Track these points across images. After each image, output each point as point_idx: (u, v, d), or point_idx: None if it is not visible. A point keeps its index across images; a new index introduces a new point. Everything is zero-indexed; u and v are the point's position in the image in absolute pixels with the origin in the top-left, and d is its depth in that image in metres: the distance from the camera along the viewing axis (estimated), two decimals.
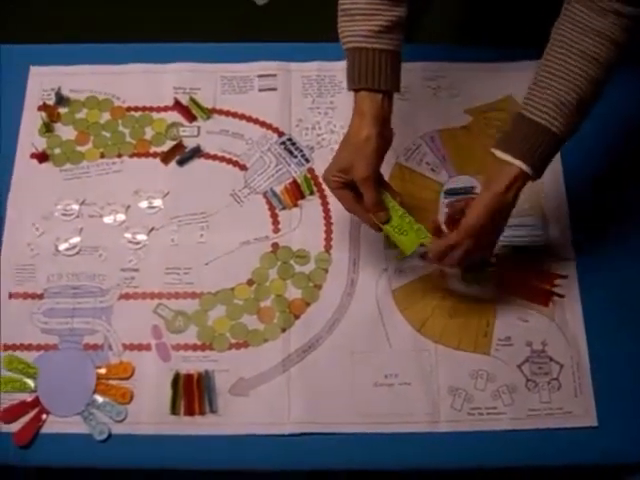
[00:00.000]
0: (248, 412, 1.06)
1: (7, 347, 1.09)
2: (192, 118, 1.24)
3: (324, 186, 1.19)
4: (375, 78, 0.96)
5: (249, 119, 1.24)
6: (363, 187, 0.98)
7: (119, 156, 1.21)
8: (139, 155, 1.21)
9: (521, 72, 1.26)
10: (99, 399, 1.06)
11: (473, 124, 1.24)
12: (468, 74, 1.26)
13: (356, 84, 0.97)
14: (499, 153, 0.96)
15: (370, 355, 1.09)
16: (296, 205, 1.18)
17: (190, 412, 1.05)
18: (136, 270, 1.13)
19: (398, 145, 1.20)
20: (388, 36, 0.96)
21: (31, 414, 1.05)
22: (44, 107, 1.24)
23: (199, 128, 1.23)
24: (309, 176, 1.20)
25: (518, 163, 0.94)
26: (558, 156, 1.19)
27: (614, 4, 0.91)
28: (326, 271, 1.14)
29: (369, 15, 0.95)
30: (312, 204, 1.18)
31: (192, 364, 1.08)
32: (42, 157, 1.20)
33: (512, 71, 1.27)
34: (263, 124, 1.24)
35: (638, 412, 1.06)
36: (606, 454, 1.04)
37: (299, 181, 1.19)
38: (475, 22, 1.31)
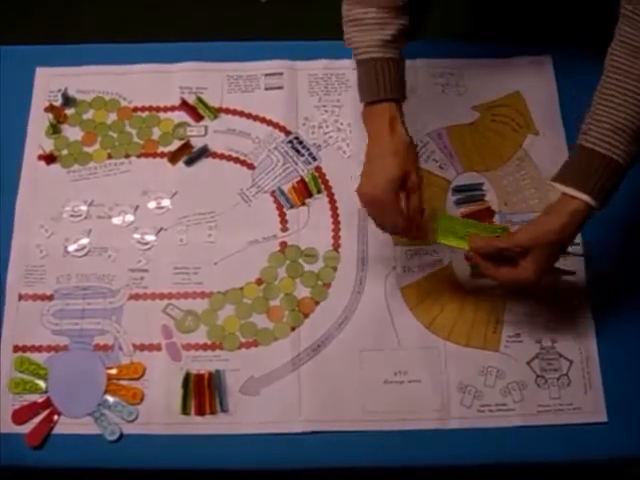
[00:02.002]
0: (259, 411, 1.06)
1: (18, 349, 1.09)
2: (199, 118, 1.24)
3: (331, 184, 1.19)
4: (394, 87, 0.97)
5: (256, 118, 1.24)
6: (414, 192, 0.98)
7: (127, 156, 1.21)
8: (147, 155, 1.22)
9: (528, 68, 1.27)
10: (110, 399, 1.06)
11: (481, 121, 1.23)
12: (475, 70, 1.26)
13: (381, 95, 0.97)
14: (561, 186, 0.93)
15: (379, 353, 1.09)
16: (304, 204, 1.18)
17: (201, 412, 1.05)
18: (145, 270, 1.14)
19: None
20: (399, 45, 0.97)
21: (42, 415, 1.06)
22: (51, 108, 1.24)
23: (206, 127, 1.23)
24: (316, 174, 1.20)
25: (583, 197, 0.91)
26: (565, 151, 1.20)
27: None
28: (335, 269, 1.14)
29: (381, 24, 0.95)
30: (320, 202, 1.18)
31: (202, 364, 1.08)
32: (50, 159, 1.21)
33: (519, 67, 1.27)
34: (270, 123, 1.24)
35: None
36: (616, 450, 1.04)
37: (307, 180, 1.19)
38: (482, 18, 1.30)
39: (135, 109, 1.25)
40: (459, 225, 1.03)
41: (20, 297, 1.12)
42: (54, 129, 1.22)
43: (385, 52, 0.96)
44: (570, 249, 1.13)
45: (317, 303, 1.12)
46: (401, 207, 0.99)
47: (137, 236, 1.16)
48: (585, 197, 0.91)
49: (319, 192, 1.19)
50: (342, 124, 1.23)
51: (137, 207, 1.18)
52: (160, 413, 1.06)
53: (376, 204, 0.99)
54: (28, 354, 1.09)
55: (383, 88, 0.97)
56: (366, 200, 1.00)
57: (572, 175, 0.93)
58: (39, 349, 1.09)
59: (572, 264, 1.13)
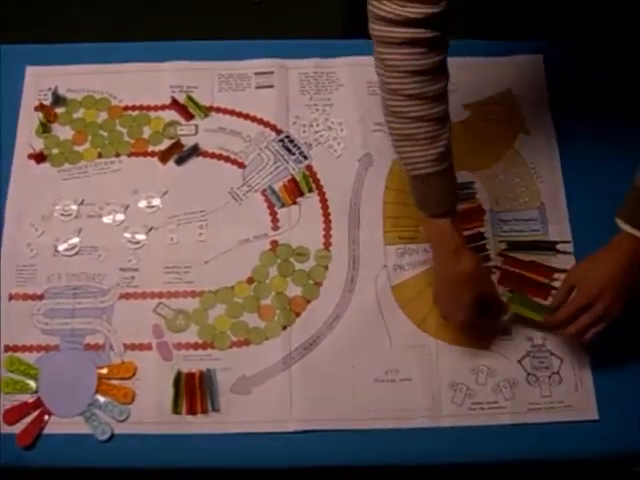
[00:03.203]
0: (250, 410, 1.06)
1: (8, 348, 1.09)
2: (189, 116, 1.24)
3: (322, 183, 1.19)
4: (452, 198, 0.99)
5: (246, 117, 1.24)
6: (496, 303, 1.06)
7: (117, 155, 1.21)
8: (137, 154, 1.21)
9: (520, 67, 1.27)
10: (101, 399, 1.06)
11: (472, 119, 1.24)
12: (466, 69, 1.25)
13: (441, 209, 0.98)
14: (626, 226, 0.97)
15: (371, 351, 1.09)
16: (295, 203, 1.18)
17: (192, 411, 1.05)
18: (136, 270, 1.14)
19: None
20: (450, 153, 0.96)
21: (33, 415, 1.05)
22: (41, 107, 1.23)
23: (197, 126, 1.23)
24: (307, 173, 1.20)
25: None
26: (556, 150, 1.21)
27: None
28: (326, 268, 1.14)
29: (434, 138, 0.93)
30: (311, 201, 1.18)
31: (193, 363, 1.08)
32: (40, 157, 1.20)
33: (511, 66, 1.27)
34: (261, 121, 1.24)
35: (638, 405, 1.06)
36: (607, 447, 1.05)
37: (298, 178, 1.19)
38: (473, 17, 1.30)
39: (125, 108, 1.25)
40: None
41: (10, 297, 1.12)
42: (44, 128, 1.22)
43: (441, 165, 0.95)
44: (559, 247, 1.14)
45: (308, 302, 1.12)
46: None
47: (128, 235, 1.16)
48: None
49: (310, 191, 1.19)
50: (333, 123, 1.23)
51: (128, 206, 1.18)
52: (151, 412, 1.06)
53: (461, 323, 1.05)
54: (19, 354, 1.09)
55: (442, 200, 0.98)
56: (454, 323, 1.06)
57: (635, 216, 0.97)
58: (29, 349, 1.09)
59: (563, 262, 1.13)
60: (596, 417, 1.06)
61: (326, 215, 1.17)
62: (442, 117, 0.93)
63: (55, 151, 1.21)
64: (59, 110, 1.25)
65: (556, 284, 1.12)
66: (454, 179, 0.99)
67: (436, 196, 0.97)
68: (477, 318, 1.02)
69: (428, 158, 0.93)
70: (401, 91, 0.90)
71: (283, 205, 1.18)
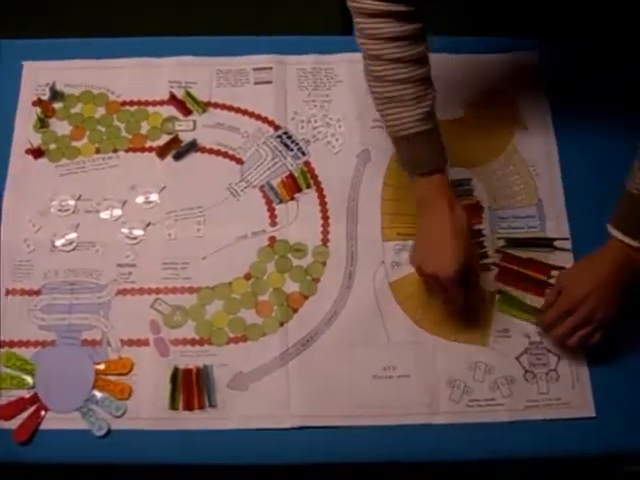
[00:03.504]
0: (247, 406, 1.06)
1: (5, 344, 1.09)
2: (187, 112, 1.23)
3: (320, 179, 1.19)
4: (441, 156, 1.00)
5: (245, 112, 1.24)
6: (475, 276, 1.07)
7: (115, 151, 1.21)
8: (135, 150, 1.21)
9: (517, 64, 1.27)
10: (98, 395, 1.06)
11: (470, 116, 1.24)
12: (461, 66, 1.26)
13: (432, 166, 0.99)
14: (616, 233, 1.00)
15: (368, 348, 1.09)
16: (293, 198, 1.18)
17: (189, 407, 1.05)
18: (133, 265, 1.13)
19: None
20: (434, 114, 0.98)
21: (30, 410, 1.05)
22: (39, 102, 1.23)
23: (195, 122, 1.23)
24: (305, 169, 1.19)
25: (635, 243, 0.99)
26: (555, 147, 1.21)
27: None
28: (324, 264, 1.14)
29: (419, 98, 0.95)
30: (309, 197, 1.18)
31: (191, 359, 1.08)
32: (37, 153, 1.20)
33: (508, 63, 1.27)
34: (259, 117, 1.23)
35: (636, 402, 1.07)
36: (604, 444, 1.05)
37: (296, 174, 1.19)
38: (471, 15, 1.31)
39: (123, 103, 1.25)
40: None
41: (7, 292, 1.12)
42: (42, 123, 1.22)
43: (428, 124, 0.97)
44: (557, 243, 1.14)
45: (306, 298, 1.12)
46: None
47: (125, 231, 1.15)
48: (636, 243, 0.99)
49: (308, 187, 1.18)
50: (331, 119, 1.23)
51: (125, 202, 1.17)
52: (148, 408, 1.05)
53: (442, 282, 1.01)
54: (15, 349, 1.09)
55: (432, 160, 0.99)
56: (434, 278, 1.01)
57: (626, 223, 1.00)
58: (26, 344, 1.09)
59: (561, 259, 1.13)
60: (593, 414, 1.06)
61: (324, 211, 1.17)
62: (425, 78, 0.96)
63: (53, 146, 1.21)
64: (57, 105, 1.24)
65: (553, 281, 1.12)
66: (440, 137, 1.00)
67: (426, 154, 0.99)
68: (460, 283, 1.01)
69: (416, 117, 0.96)
70: (383, 56, 0.93)
71: (281, 201, 1.18)
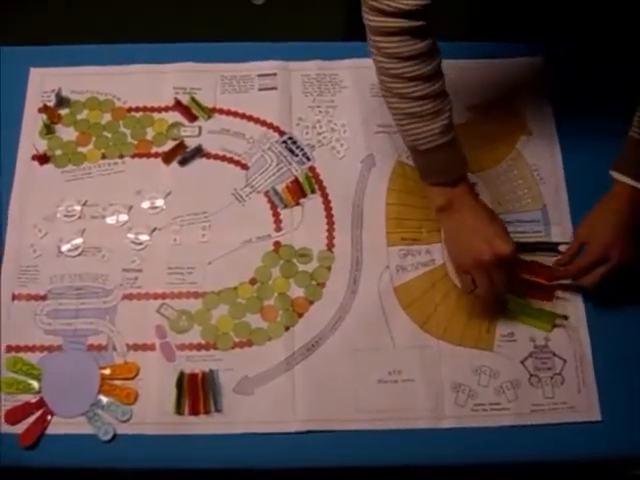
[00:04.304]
0: (253, 411, 1.06)
1: (11, 349, 1.09)
2: (193, 118, 1.24)
3: (325, 184, 1.19)
4: (463, 164, 1.01)
5: (250, 118, 1.24)
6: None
7: (121, 157, 1.21)
8: (140, 155, 1.22)
9: (522, 69, 1.27)
10: (104, 399, 1.06)
11: (474, 121, 1.24)
12: (468, 71, 1.26)
13: (454, 176, 1.01)
14: (625, 178, 1.03)
15: (373, 352, 1.09)
16: (298, 204, 1.18)
17: (195, 411, 1.05)
18: (139, 270, 1.14)
19: (400, 143, 1.20)
20: (452, 124, 0.99)
21: (36, 415, 1.05)
22: (45, 109, 1.24)
23: (200, 128, 1.23)
24: (310, 174, 1.20)
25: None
26: (558, 151, 1.21)
27: None
28: (329, 269, 1.14)
29: (437, 112, 0.96)
30: (314, 202, 1.18)
31: (196, 363, 1.08)
32: (43, 159, 1.20)
33: (513, 68, 1.27)
34: (264, 123, 1.24)
35: None
36: (610, 448, 1.05)
37: (300, 180, 1.19)
38: (475, 20, 1.31)
39: (129, 109, 1.25)
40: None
41: (13, 297, 1.12)
42: (48, 129, 1.22)
43: (446, 136, 0.98)
44: (562, 247, 1.14)
45: (311, 303, 1.12)
46: None
47: (131, 236, 1.16)
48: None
49: (313, 192, 1.19)
50: (336, 124, 1.24)
51: (131, 207, 1.18)
52: (154, 413, 1.06)
53: (503, 265, 1.01)
54: (21, 354, 1.09)
55: (453, 169, 1.01)
56: (493, 264, 1.00)
57: (627, 165, 1.04)
58: (32, 349, 1.09)
59: None
60: (599, 418, 1.06)
61: (329, 216, 1.17)
62: (442, 92, 0.97)
63: (59, 152, 1.22)
64: (63, 111, 1.25)
65: (558, 284, 1.12)
66: (460, 146, 1.01)
67: (447, 164, 1.00)
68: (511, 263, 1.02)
69: (435, 132, 0.97)
70: (403, 74, 0.94)
71: (286, 206, 1.18)
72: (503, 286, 1.02)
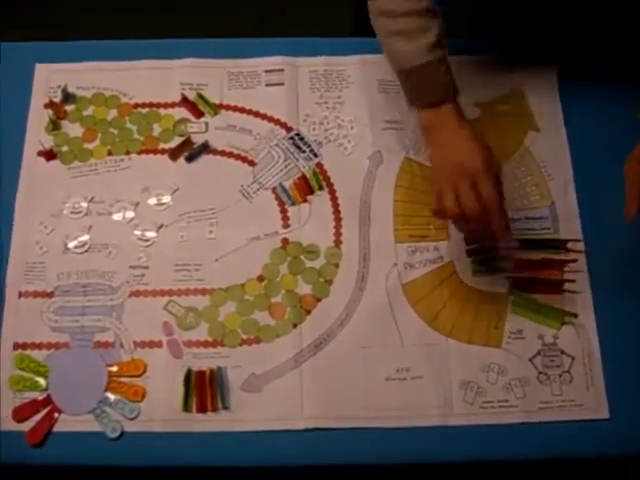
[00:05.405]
0: (261, 408, 1.06)
1: (18, 346, 1.09)
2: (199, 114, 1.23)
3: (333, 180, 1.19)
4: (453, 85, 1.01)
5: (257, 114, 1.24)
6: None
7: (127, 153, 1.21)
8: (147, 152, 1.21)
9: (530, 64, 1.27)
10: (111, 397, 1.06)
11: (482, 117, 1.23)
12: (477, 67, 1.25)
13: (443, 95, 1.00)
14: None
15: (381, 349, 1.09)
16: (305, 200, 1.18)
17: (202, 409, 1.05)
18: (146, 267, 1.13)
19: (408, 139, 1.20)
20: (443, 44, 1.00)
21: (43, 413, 1.05)
22: (50, 104, 1.23)
23: (207, 124, 1.23)
24: (318, 171, 1.19)
25: None
26: (566, 147, 1.20)
27: None
28: (336, 266, 1.14)
29: (424, 29, 0.97)
30: (321, 199, 1.18)
31: (204, 361, 1.08)
32: (49, 155, 1.20)
33: (521, 64, 1.26)
34: (271, 119, 1.23)
35: None
36: (618, 446, 1.04)
37: (308, 176, 1.19)
38: (484, 15, 1.30)
39: (135, 105, 1.25)
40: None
41: (20, 294, 1.12)
42: (54, 125, 1.22)
43: (432, 54, 0.98)
44: (570, 245, 1.13)
45: (319, 300, 1.12)
46: None
47: (138, 233, 1.16)
48: None
49: (320, 189, 1.18)
50: (343, 120, 1.23)
51: (138, 204, 1.17)
52: (161, 410, 1.05)
53: (471, 178, 0.97)
54: (28, 351, 1.09)
55: (436, 91, 1.00)
56: (459, 175, 0.98)
57: None
58: (39, 346, 1.09)
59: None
60: (607, 416, 1.06)
61: (336, 213, 1.17)
62: (429, 10, 0.98)
63: (65, 148, 1.21)
64: (69, 107, 1.24)
65: (566, 282, 1.12)
66: (449, 69, 1.01)
67: (430, 85, 1.00)
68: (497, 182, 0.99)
69: (422, 49, 0.98)
70: None
71: (293, 203, 1.17)
72: (472, 202, 0.98)
